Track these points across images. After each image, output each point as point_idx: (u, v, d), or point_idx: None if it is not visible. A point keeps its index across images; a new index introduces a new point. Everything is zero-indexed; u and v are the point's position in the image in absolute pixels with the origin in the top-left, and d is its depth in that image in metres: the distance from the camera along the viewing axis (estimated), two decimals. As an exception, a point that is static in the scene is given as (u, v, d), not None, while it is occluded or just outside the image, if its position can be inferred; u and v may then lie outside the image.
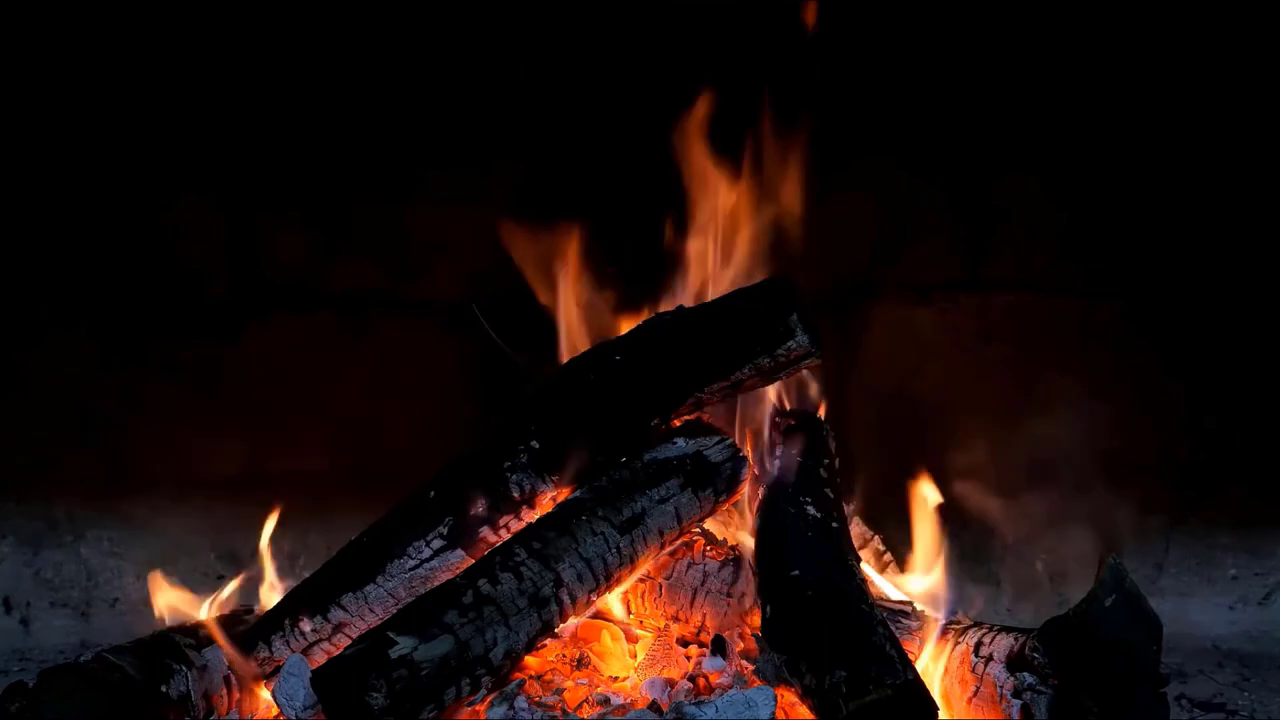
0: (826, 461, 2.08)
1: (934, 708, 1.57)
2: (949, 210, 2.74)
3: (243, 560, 2.15)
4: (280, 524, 2.18)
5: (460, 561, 1.89)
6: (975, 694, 1.77)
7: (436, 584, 1.81)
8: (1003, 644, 1.78)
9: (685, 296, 2.15)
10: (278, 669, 1.87)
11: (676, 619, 1.96)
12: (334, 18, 2.61)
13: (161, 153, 2.65)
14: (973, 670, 1.79)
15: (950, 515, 2.16)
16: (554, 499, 1.93)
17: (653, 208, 2.25)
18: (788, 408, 2.18)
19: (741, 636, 1.92)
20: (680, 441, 1.95)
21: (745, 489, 2.01)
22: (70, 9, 2.58)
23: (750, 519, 2.01)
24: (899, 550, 2.17)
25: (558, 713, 1.73)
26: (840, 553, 1.83)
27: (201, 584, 2.68)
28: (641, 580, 1.96)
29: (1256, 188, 2.69)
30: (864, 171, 2.67)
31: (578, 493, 1.90)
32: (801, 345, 1.91)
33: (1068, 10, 2.62)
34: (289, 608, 1.95)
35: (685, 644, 1.93)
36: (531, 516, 1.92)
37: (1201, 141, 2.67)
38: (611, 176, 2.55)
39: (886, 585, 2.08)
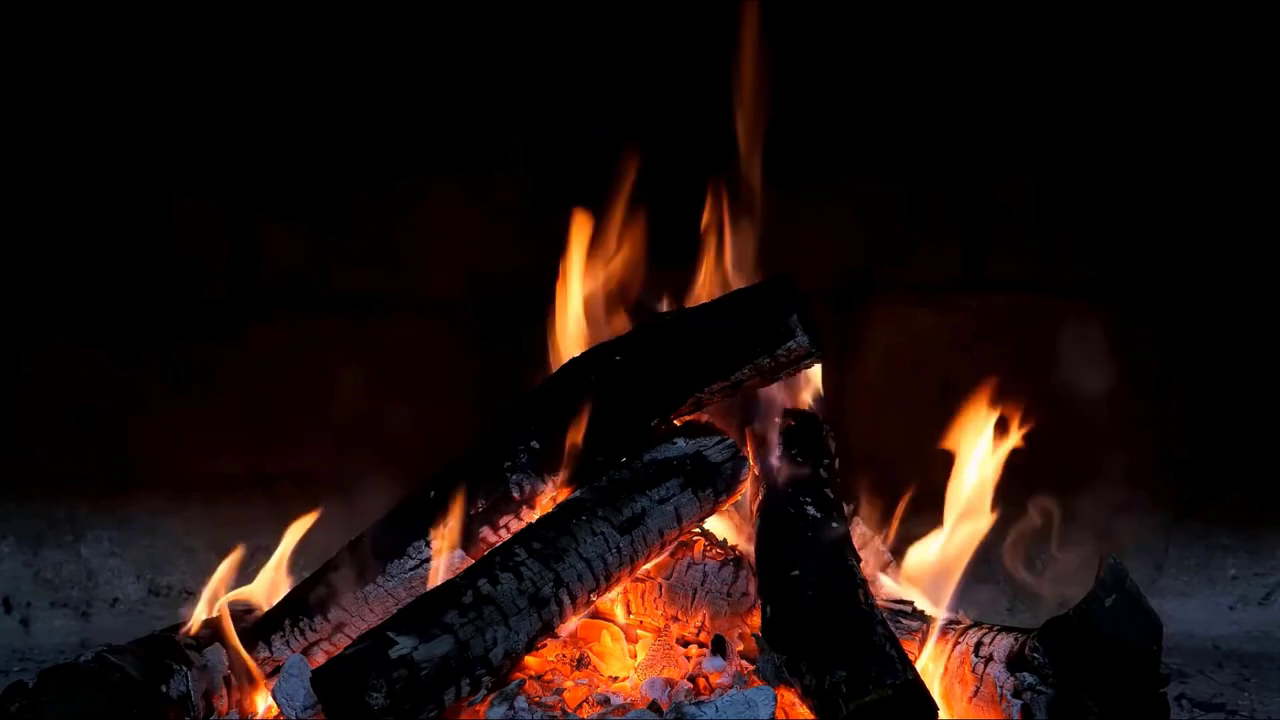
0: (826, 461, 2.07)
1: (934, 708, 1.57)
2: (949, 210, 2.74)
3: (243, 560, 2.15)
4: (281, 524, 2.17)
5: (460, 562, 1.89)
6: (975, 694, 1.77)
7: (436, 584, 1.81)
8: (1003, 644, 1.77)
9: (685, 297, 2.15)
10: (278, 669, 1.87)
11: (676, 619, 1.96)
12: (334, 16, 2.61)
13: (162, 153, 2.66)
14: (973, 670, 1.79)
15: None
16: (554, 499, 1.93)
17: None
18: (788, 408, 2.18)
19: (741, 637, 1.92)
20: (680, 441, 1.95)
21: (745, 489, 2.01)
22: (69, 9, 2.58)
23: (750, 519, 2.01)
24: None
25: (558, 713, 1.73)
26: (840, 553, 1.83)
27: (201, 584, 2.69)
28: (641, 580, 1.96)
29: (1257, 188, 2.69)
30: (864, 171, 2.67)
31: (578, 493, 1.90)
32: (801, 345, 1.91)
33: (1067, 10, 2.63)
34: (289, 608, 1.95)
35: (685, 644, 1.93)
36: (531, 516, 1.92)
37: (1202, 141, 2.67)
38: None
39: (890, 584, 2.08)
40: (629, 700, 1.77)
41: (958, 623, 1.90)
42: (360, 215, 2.71)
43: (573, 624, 1.86)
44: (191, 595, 2.72)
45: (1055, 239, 2.73)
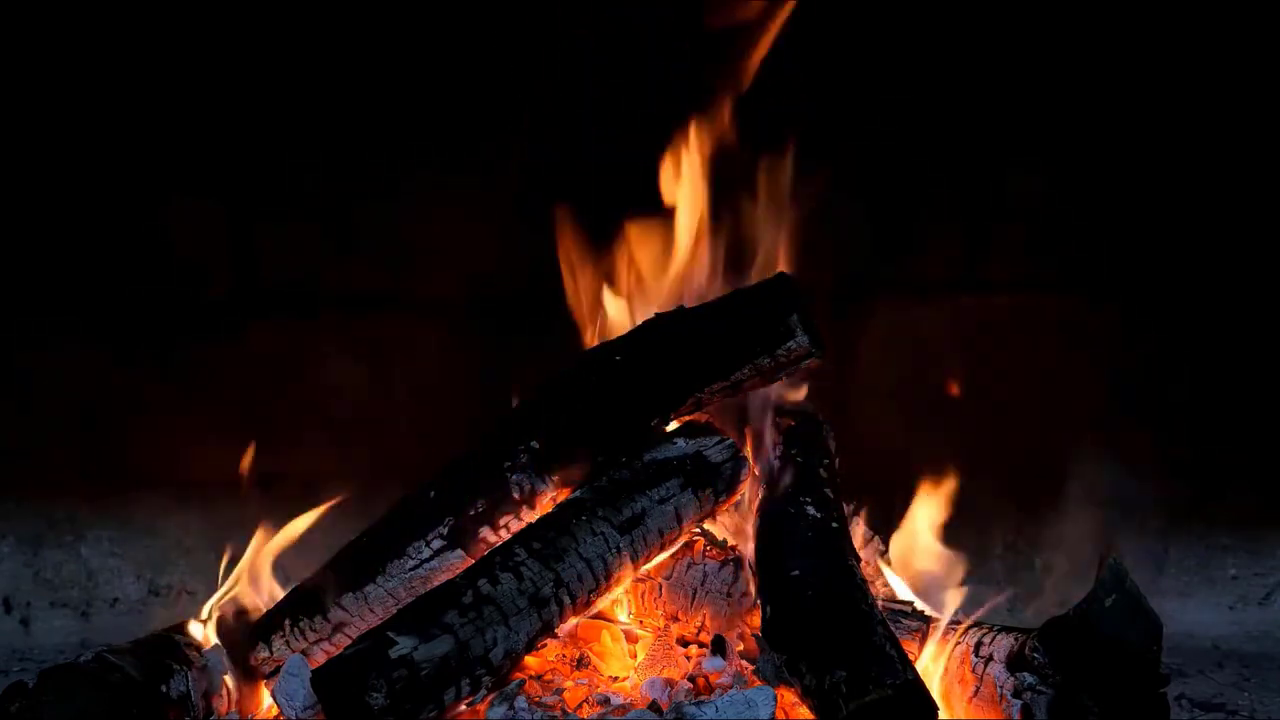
0: (826, 461, 2.08)
1: (934, 708, 1.57)
2: (949, 209, 2.74)
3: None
4: (281, 525, 2.17)
5: (460, 561, 1.89)
6: (975, 694, 1.77)
7: (436, 584, 1.81)
8: (1003, 644, 1.78)
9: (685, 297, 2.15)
10: (278, 669, 1.87)
11: (676, 619, 1.96)
12: (335, 17, 2.61)
13: (161, 153, 2.66)
14: (973, 670, 1.79)
15: (950, 515, 2.17)
16: (554, 499, 1.93)
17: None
18: (788, 407, 2.18)
19: (741, 637, 1.92)
20: (680, 441, 1.95)
21: (745, 489, 2.01)
22: (70, 9, 2.58)
23: (750, 519, 2.01)
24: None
25: (558, 713, 1.73)
26: (840, 553, 1.83)
27: (201, 584, 2.69)
28: (641, 580, 1.96)
29: (1258, 187, 2.69)
30: (864, 171, 2.67)
31: (578, 493, 1.90)
32: (801, 345, 1.91)
33: (1069, 9, 2.63)
34: (289, 607, 1.95)
35: (685, 644, 1.93)
36: (531, 516, 1.92)
37: (1203, 140, 2.67)
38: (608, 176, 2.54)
39: (896, 583, 2.09)
40: (629, 700, 1.77)
41: (958, 623, 1.90)
42: (360, 215, 2.71)
43: (573, 624, 1.86)
44: (192, 595, 2.73)
45: (1056, 238, 2.73)
